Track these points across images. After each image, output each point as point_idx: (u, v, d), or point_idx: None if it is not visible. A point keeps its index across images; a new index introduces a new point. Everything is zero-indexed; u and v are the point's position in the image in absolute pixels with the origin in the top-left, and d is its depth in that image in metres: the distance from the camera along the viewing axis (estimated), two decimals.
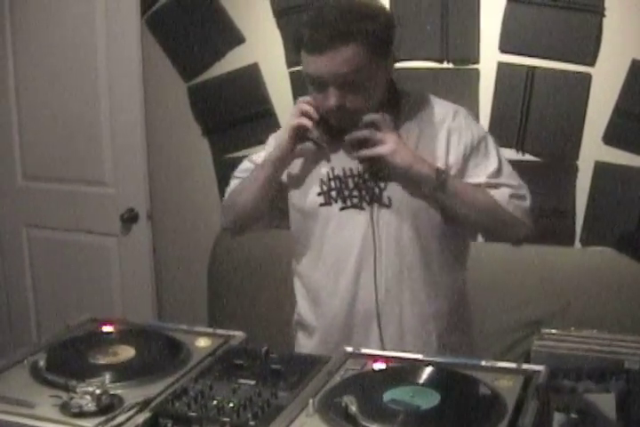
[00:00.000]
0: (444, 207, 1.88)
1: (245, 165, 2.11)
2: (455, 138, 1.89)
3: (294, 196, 1.98)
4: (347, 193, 1.90)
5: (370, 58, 1.73)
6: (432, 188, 1.83)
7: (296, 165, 1.96)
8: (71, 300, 3.48)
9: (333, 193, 1.91)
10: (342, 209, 1.91)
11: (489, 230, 2.05)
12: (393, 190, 1.88)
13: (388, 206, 1.88)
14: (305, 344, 2.07)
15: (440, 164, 1.87)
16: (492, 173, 1.91)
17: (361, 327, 1.96)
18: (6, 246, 3.68)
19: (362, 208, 1.90)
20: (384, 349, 1.91)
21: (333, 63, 1.71)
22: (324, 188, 1.91)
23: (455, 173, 1.88)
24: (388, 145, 1.79)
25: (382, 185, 1.88)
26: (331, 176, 1.91)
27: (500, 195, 1.90)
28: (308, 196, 1.94)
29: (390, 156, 1.79)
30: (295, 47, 1.77)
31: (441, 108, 1.93)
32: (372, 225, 1.89)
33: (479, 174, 1.90)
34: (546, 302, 2.75)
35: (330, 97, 1.77)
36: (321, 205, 1.92)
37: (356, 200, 1.90)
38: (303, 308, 2.07)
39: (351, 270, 1.93)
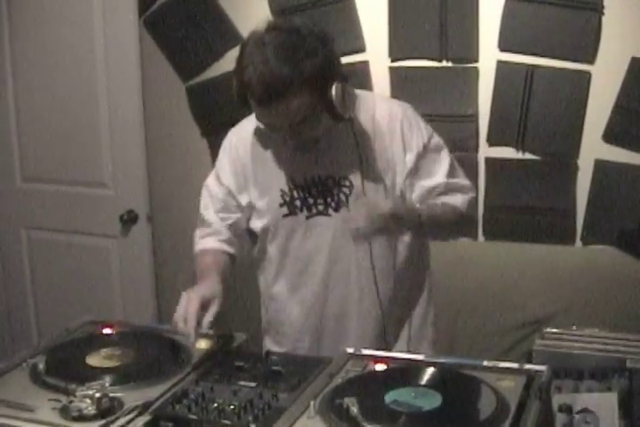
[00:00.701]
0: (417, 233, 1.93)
1: (203, 193, 2.04)
2: (408, 134, 1.88)
3: (257, 211, 1.96)
4: (311, 201, 1.90)
5: (317, 95, 1.71)
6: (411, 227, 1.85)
7: (252, 179, 1.94)
8: (71, 301, 3.47)
9: (297, 203, 1.90)
10: (308, 217, 1.91)
11: (446, 236, 2.13)
12: (359, 196, 1.87)
13: None
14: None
15: (398, 160, 1.88)
16: (449, 172, 1.91)
17: (332, 332, 1.98)
18: (6, 248, 3.68)
19: (328, 215, 1.90)
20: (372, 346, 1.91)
21: (283, 113, 1.70)
22: (287, 198, 1.90)
23: (411, 169, 1.89)
24: (360, 222, 1.72)
25: (347, 191, 1.88)
26: (291, 186, 1.90)
27: (462, 201, 1.93)
28: (270, 208, 1.92)
29: (370, 226, 1.73)
30: (238, 83, 1.72)
31: (389, 106, 1.93)
32: (341, 231, 1.89)
33: (437, 172, 1.91)
34: (547, 301, 2.75)
35: (284, 137, 1.80)
36: (285, 215, 1.92)
37: (321, 207, 1.90)
38: (268, 315, 2.08)
39: (320, 277, 1.94)
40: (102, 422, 1.41)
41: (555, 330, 2.15)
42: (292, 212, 1.91)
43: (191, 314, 1.64)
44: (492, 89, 2.86)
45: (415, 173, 1.89)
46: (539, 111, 2.82)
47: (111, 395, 1.48)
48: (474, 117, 2.88)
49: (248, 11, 3.13)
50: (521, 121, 2.84)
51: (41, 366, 1.61)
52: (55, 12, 3.28)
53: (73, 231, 3.47)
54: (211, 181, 2.01)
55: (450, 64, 2.89)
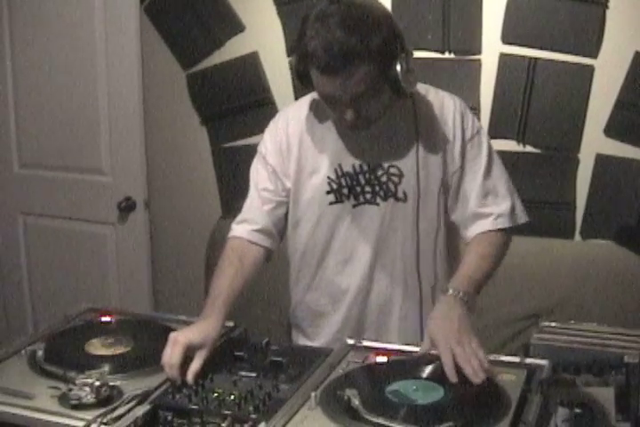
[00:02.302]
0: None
1: (256, 158, 2.02)
2: (460, 126, 1.87)
3: (299, 196, 1.93)
4: (359, 189, 1.87)
5: (381, 71, 1.69)
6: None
7: (296, 163, 1.91)
8: (67, 288, 3.47)
9: (345, 190, 1.87)
10: (355, 206, 1.88)
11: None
12: (408, 184, 1.85)
13: (404, 201, 1.86)
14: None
15: (449, 150, 1.86)
16: (484, 171, 1.88)
17: (373, 325, 1.95)
18: (2, 234, 3.66)
19: (376, 204, 1.87)
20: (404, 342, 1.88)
21: (348, 84, 1.67)
22: (334, 186, 1.87)
23: (459, 161, 1.87)
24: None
25: (397, 180, 1.85)
26: (339, 173, 1.87)
27: (501, 220, 1.87)
28: (315, 195, 1.89)
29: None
30: (299, 59, 1.71)
31: (442, 96, 1.91)
32: (388, 220, 1.87)
33: (475, 169, 1.88)
34: (545, 295, 2.74)
35: (346, 113, 1.74)
36: (331, 203, 1.89)
37: (369, 196, 1.87)
38: (302, 309, 2.04)
39: (366, 266, 1.91)
40: (101, 410, 1.40)
41: (552, 324, 2.14)
42: (339, 200, 1.88)
43: (175, 366, 1.55)
44: (494, 82, 2.85)
45: (462, 166, 1.87)
46: (540, 104, 2.81)
47: (111, 383, 1.48)
48: (475, 110, 2.86)
49: None
50: (522, 114, 2.83)
51: (40, 354, 1.60)
52: None
53: (70, 218, 3.45)
54: (255, 162, 1.99)
55: (452, 56, 2.88)
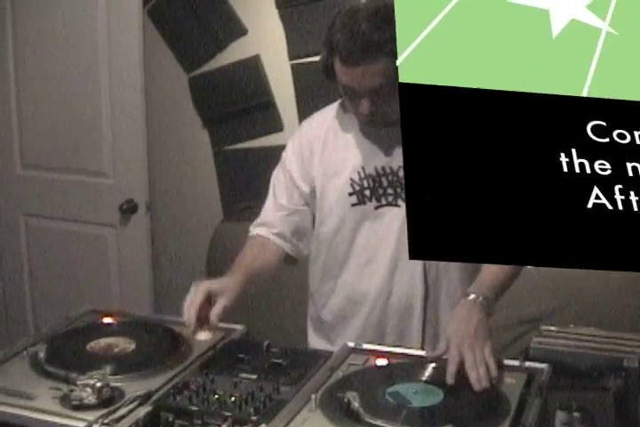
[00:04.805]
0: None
1: (278, 164, 2.04)
2: None
3: (323, 199, 1.94)
4: (381, 191, 1.88)
5: None
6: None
7: (319, 166, 1.93)
8: (68, 290, 3.46)
9: (367, 192, 1.89)
10: (377, 208, 1.89)
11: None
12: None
13: None
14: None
15: None
16: None
17: (395, 329, 1.94)
18: (4, 235, 3.66)
19: (397, 205, 1.88)
20: (423, 346, 1.90)
21: (367, 76, 1.71)
22: (356, 187, 1.89)
23: None
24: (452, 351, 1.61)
25: None
26: (362, 175, 1.88)
27: None
28: (338, 196, 1.91)
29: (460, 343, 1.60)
30: (326, 51, 1.77)
31: None
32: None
33: None
34: (545, 299, 2.75)
35: (363, 105, 1.77)
36: (353, 204, 1.90)
37: (391, 198, 1.88)
38: (325, 315, 2.02)
39: (386, 268, 1.91)
40: (103, 411, 1.41)
41: (552, 328, 2.15)
42: (362, 201, 1.90)
43: (194, 304, 1.66)
44: None
45: None
46: None
47: (112, 385, 1.48)
48: None
49: (252, 2, 3.11)
50: None
51: (42, 355, 1.61)
52: (59, 0, 3.26)
53: (72, 220, 3.46)
54: (277, 168, 2.02)
55: None
